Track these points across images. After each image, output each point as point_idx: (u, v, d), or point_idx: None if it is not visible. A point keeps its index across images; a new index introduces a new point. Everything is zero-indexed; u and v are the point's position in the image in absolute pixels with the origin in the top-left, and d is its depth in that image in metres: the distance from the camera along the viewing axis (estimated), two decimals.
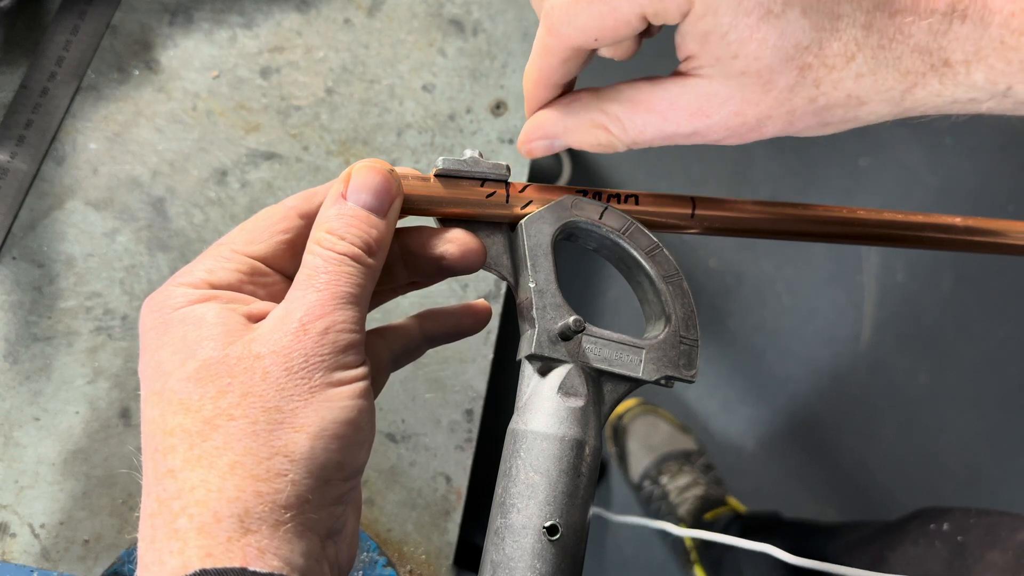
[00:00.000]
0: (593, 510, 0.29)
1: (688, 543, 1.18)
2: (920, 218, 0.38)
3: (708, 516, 1.16)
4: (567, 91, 0.34)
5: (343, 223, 0.29)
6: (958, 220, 0.39)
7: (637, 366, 0.32)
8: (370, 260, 0.29)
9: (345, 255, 0.29)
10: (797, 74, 0.27)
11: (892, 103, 0.28)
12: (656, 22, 0.28)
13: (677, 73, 0.30)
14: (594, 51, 0.31)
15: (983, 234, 0.39)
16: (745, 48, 0.27)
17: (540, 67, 0.32)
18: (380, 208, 0.30)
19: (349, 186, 0.30)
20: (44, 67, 0.57)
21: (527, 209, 0.34)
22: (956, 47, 0.26)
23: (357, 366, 0.28)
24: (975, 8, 0.26)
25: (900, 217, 0.38)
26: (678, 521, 1.18)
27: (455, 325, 0.38)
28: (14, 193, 0.55)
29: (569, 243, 0.36)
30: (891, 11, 0.26)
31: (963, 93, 0.28)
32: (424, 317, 0.37)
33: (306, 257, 0.29)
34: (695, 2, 0.26)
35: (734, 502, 1.20)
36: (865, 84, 0.27)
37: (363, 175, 0.30)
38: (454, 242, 0.33)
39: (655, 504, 1.21)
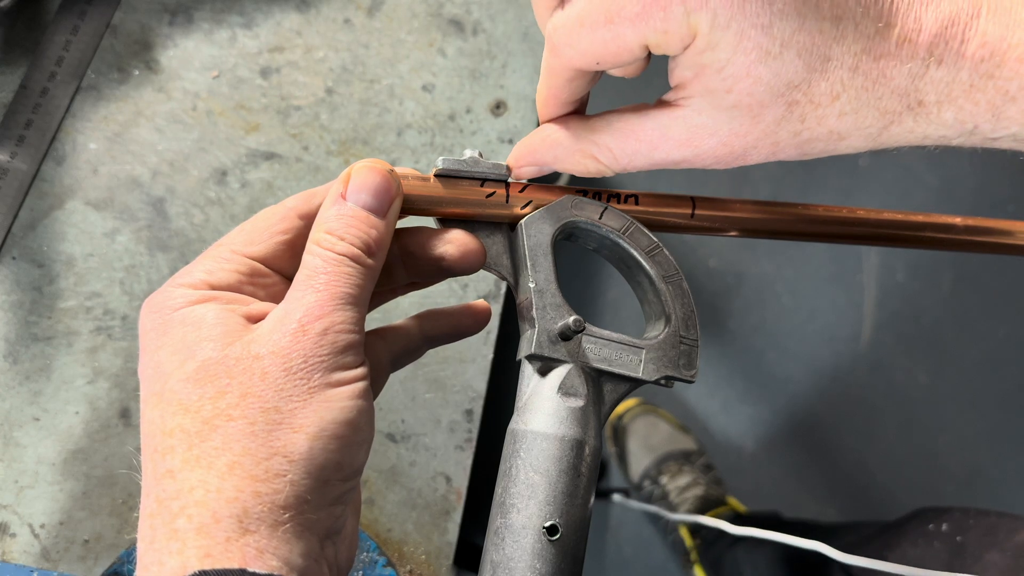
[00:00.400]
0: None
1: (688, 543, 1.18)
2: (920, 218, 0.38)
3: (708, 515, 1.16)
4: (580, 107, 0.34)
5: (343, 223, 0.29)
6: (958, 220, 0.39)
7: (637, 366, 0.32)
8: (369, 261, 0.29)
9: (344, 255, 0.29)
10: (785, 109, 0.28)
11: (869, 139, 0.30)
12: (657, 52, 0.28)
13: (665, 103, 0.30)
14: (601, 72, 0.31)
15: (983, 234, 0.39)
16: (739, 84, 0.27)
17: (548, 86, 0.32)
18: (380, 208, 0.30)
19: (349, 186, 0.30)
20: (44, 67, 0.57)
21: (527, 209, 0.34)
22: (930, 89, 0.28)
23: (356, 367, 0.28)
24: (949, 54, 0.27)
25: (900, 217, 0.38)
26: (677, 521, 1.18)
27: (455, 326, 0.38)
28: (14, 193, 0.55)
29: (569, 243, 0.36)
30: (876, 55, 0.27)
31: (934, 131, 0.29)
32: (424, 318, 0.37)
33: (305, 257, 0.29)
34: (697, 36, 0.27)
35: (734, 502, 1.20)
36: (847, 122, 0.29)
37: (363, 175, 0.30)
38: (454, 243, 0.33)
39: (656, 504, 1.21)
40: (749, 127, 0.29)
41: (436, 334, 0.38)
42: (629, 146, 0.31)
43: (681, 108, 0.29)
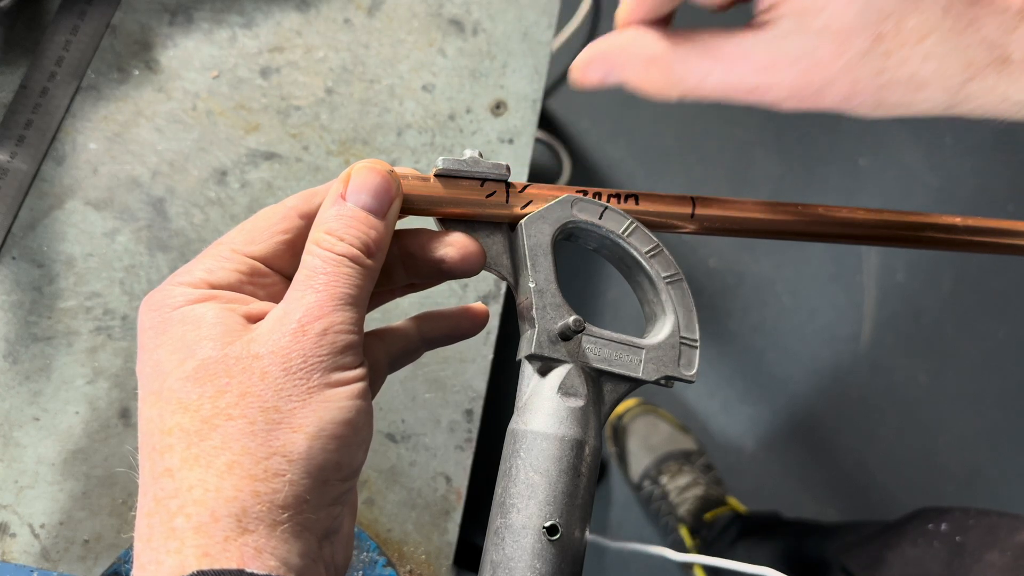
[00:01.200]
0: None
1: (688, 544, 1.18)
2: (920, 218, 0.38)
3: (708, 516, 1.16)
4: (667, 21, 0.32)
5: (342, 224, 0.29)
6: (959, 220, 0.39)
7: (637, 366, 0.32)
8: (369, 261, 0.29)
9: (344, 256, 0.29)
10: (872, 42, 0.28)
11: (949, 92, 0.29)
12: None
13: (750, 26, 0.29)
14: None
15: (984, 234, 0.39)
16: (832, 5, 0.27)
17: None
18: (379, 209, 0.30)
19: (348, 186, 0.30)
20: (44, 67, 0.57)
21: (527, 209, 0.34)
22: (1018, 46, 0.27)
23: (355, 367, 0.28)
24: None
25: (900, 217, 0.38)
26: (678, 521, 1.18)
27: (453, 327, 0.38)
28: (14, 193, 0.55)
29: (569, 243, 0.36)
30: (969, 0, 0.27)
31: (1015, 92, 0.28)
32: (422, 319, 0.37)
33: (305, 258, 0.29)
34: None
35: (734, 502, 1.20)
36: (930, 67, 0.28)
37: (363, 176, 0.30)
38: (454, 245, 0.33)
39: (655, 504, 1.21)
40: (833, 57, 0.28)
41: (434, 336, 0.38)
42: (704, 64, 0.30)
43: (766, 30, 0.29)
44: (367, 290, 0.30)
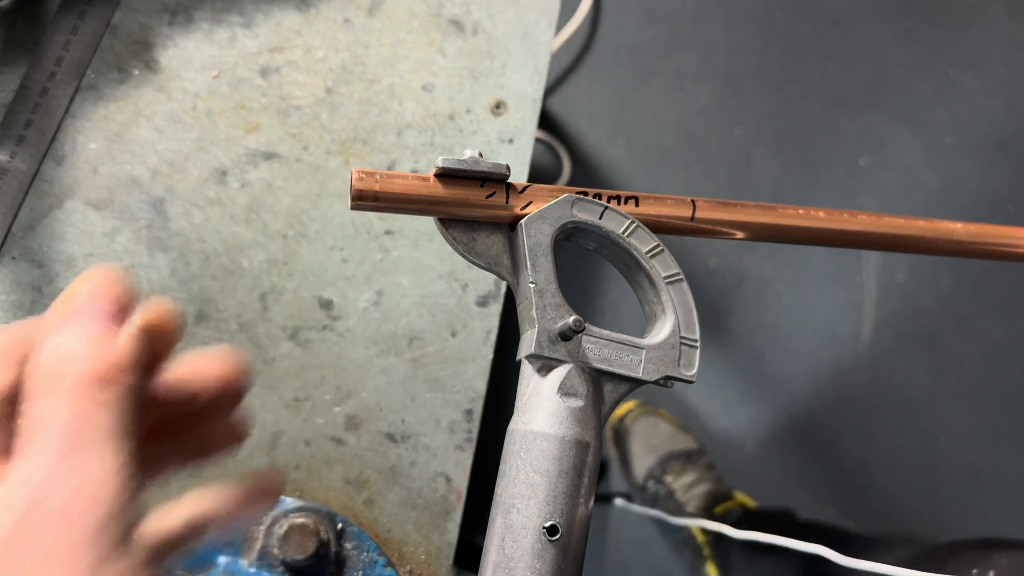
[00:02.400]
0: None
1: (700, 539, 1.17)
2: (921, 223, 0.38)
3: (718, 510, 1.15)
4: None
5: (68, 350, 0.24)
6: (960, 226, 0.39)
7: (637, 366, 0.32)
8: (114, 388, 0.24)
9: (82, 387, 0.23)
10: None
11: None
12: None
13: None
14: None
15: (985, 240, 0.39)
16: None
17: None
18: (112, 324, 0.25)
19: (69, 309, 0.25)
20: (44, 67, 0.57)
21: (527, 209, 0.34)
22: None
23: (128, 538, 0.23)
24: None
25: (901, 222, 0.38)
26: (687, 518, 1.18)
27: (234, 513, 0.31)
28: (14, 193, 0.55)
29: (569, 243, 0.36)
30: None
31: None
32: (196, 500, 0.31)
33: (28, 409, 0.23)
34: None
35: (741, 496, 1.19)
36: None
37: (84, 290, 0.25)
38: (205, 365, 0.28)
39: (662, 503, 1.21)
40: None
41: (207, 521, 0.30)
42: None
43: None
44: (126, 426, 0.24)
